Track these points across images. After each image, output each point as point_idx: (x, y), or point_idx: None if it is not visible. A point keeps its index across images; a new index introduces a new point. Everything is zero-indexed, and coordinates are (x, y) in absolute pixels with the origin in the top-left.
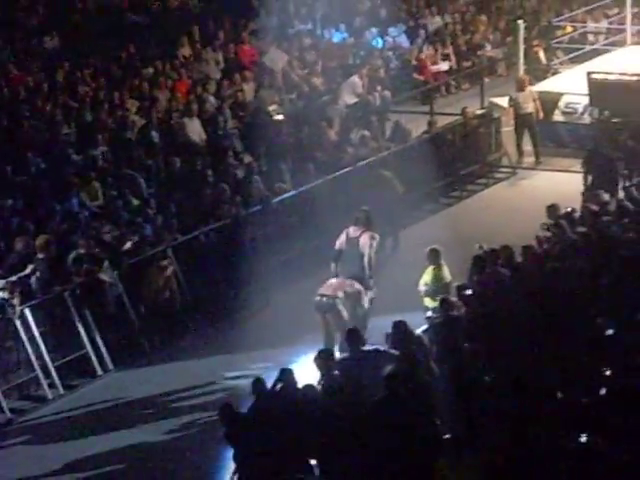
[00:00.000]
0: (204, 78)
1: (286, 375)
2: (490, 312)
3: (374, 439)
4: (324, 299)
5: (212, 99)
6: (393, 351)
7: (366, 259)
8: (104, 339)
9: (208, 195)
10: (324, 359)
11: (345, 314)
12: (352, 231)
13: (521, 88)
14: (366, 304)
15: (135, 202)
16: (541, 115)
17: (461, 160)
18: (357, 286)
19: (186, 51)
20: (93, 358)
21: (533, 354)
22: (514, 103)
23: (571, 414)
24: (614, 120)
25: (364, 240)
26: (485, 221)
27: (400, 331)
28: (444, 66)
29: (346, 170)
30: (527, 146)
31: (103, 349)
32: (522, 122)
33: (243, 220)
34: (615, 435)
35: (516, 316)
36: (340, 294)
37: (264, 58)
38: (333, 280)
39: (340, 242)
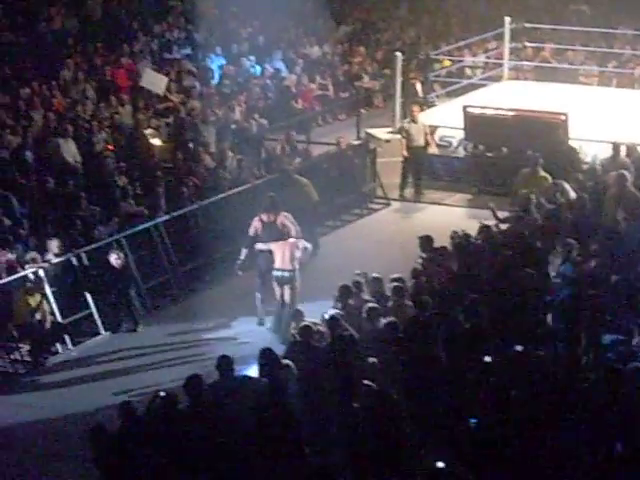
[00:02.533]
0: (80, 99)
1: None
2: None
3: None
4: (285, 273)
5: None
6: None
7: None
8: None
9: (80, 217)
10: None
11: (298, 284)
12: (265, 217)
13: (413, 120)
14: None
15: (7, 222)
16: (431, 149)
17: (336, 190)
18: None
19: (64, 72)
20: None
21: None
22: (406, 135)
23: None
24: (488, 154)
25: (282, 220)
26: (357, 251)
27: (267, 358)
28: None
29: (226, 194)
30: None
31: None
32: (413, 155)
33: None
34: None
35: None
36: (296, 265)
37: (142, 81)
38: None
39: (255, 228)
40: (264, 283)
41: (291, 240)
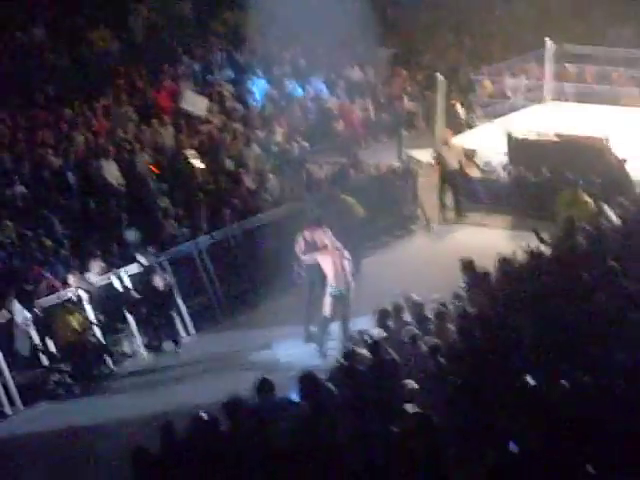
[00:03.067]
0: (122, 121)
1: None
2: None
3: None
4: (342, 290)
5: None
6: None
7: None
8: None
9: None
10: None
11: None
12: (308, 234)
13: (445, 143)
14: None
15: (48, 242)
16: (468, 170)
17: (377, 212)
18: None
19: (107, 94)
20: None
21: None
22: (439, 158)
23: None
24: (531, 177)
25: (320, 236)
26: (397, 273)
27: (307, 383)
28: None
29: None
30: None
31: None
32: (447, 177)
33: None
34: None
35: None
36: (351, 281)
37: (181, 102)
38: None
39: (299, 245)
40: (311, 299)
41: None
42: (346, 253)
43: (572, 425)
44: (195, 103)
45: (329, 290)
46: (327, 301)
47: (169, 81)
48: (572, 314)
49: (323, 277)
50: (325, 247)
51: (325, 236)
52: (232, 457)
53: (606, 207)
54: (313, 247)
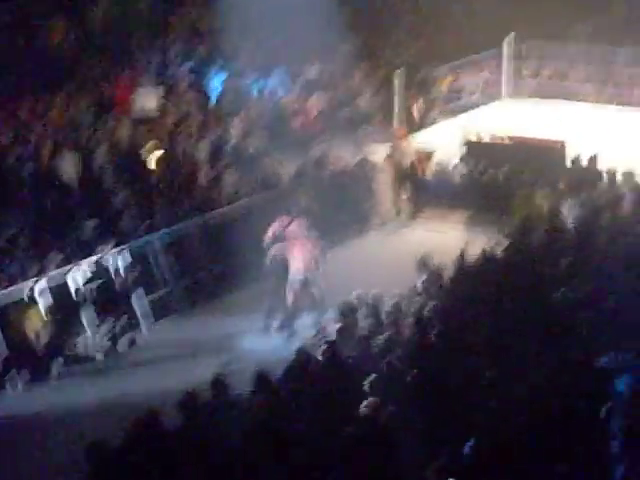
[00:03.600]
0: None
1: None
2: None
3: None
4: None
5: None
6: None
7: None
8: None
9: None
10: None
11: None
12: (278, 225)
13: (400, 140)
14: None
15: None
16: (421, 167)
17: (334, 209)
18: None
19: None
20: None
21: None
22: (392, 156)
23: None
24: (485, 177)
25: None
26: (354, 270)
27: (260, 382)
28: None
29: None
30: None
31: None
32: (400, 175)
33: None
34: None
35: None
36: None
37: (135, 100)
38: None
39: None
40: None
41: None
42: (316, 242)
43: (528, 424)
44: (148, 100)
45: (291, 278)
46: (289, 290)
47: (127, 75)
48: (526, 312)
49: (287, 267)
50: (293, 237)
51: (296, 226)
52: (184, 453)
53: (562, 208)
54: (280, 238)
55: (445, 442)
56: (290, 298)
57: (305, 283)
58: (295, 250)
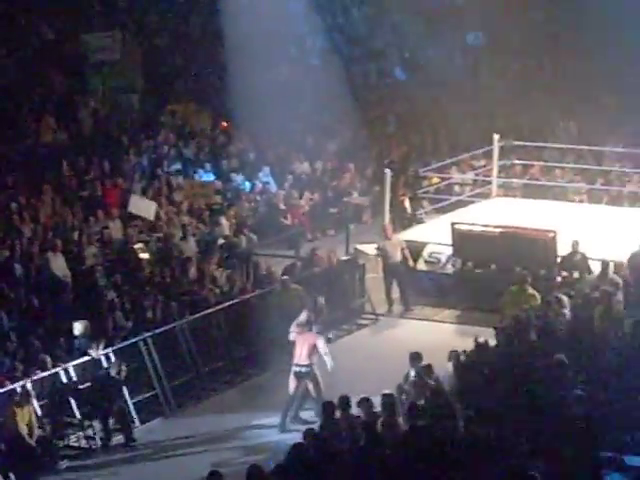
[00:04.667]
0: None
1: None
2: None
3: None
4: (302, 369)
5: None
6: None
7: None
8: None
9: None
10: None
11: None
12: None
13: (387, 237)
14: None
15: None
16: (411, 263)
17: (325, 305)
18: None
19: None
20: None
21: None
22: (382, 252)
23: None
24: (477, 271)
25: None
26: (346, 367)
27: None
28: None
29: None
30: (395, 294)
31: None
32: (390, 271)
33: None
34: None
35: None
36: (314, 359)
37: (129, 207)
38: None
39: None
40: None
41: (312, 334)
42: (315, 334)
43: None
44: (142, 208)
45: (292, 369)
46: (290, 379)
47: (117, 178)
48: (520, 408)
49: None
50: (299, 330)
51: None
52: None
53: (564, 298)
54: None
55: None
56: (290, 387)
57: (303, 374)
58: (298, 340)
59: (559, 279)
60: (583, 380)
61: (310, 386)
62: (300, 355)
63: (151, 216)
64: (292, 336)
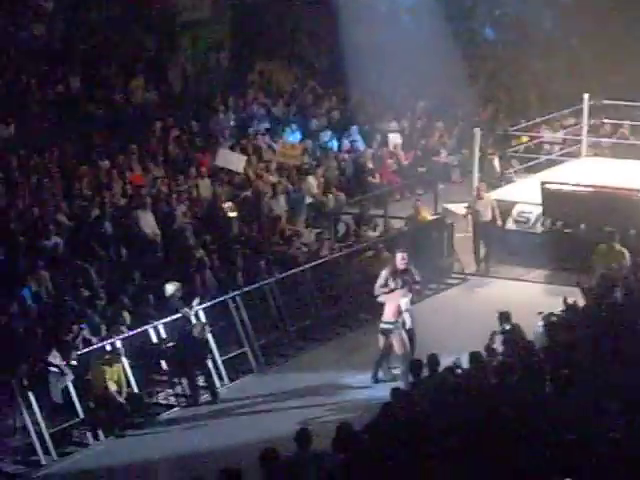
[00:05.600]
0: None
1: None
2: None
3: None
4: (386, 325)
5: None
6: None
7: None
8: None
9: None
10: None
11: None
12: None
13: (479, 196)
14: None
15: (85, 293)
16: (499, 223)
17: (413, 264)
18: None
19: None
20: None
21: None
22: (473, 211)
23: None
24: (566, 231)
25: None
26: (435, 326)
27: (343, 434)
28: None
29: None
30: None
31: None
32: (480, 230)
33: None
34: None
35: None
36: (399, 318)
37: (217, 160)
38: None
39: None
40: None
41: (398, 293)
42: (401, 291)
43: None
44: (231, 161)
45: (380, 326)
46: (379, 336)
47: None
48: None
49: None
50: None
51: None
52: None
53: None
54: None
55: None
56: (380, 343)
57: (386, 331)
58: (388, 299)
59: None
60: None
61: (394, 343)
62: (387, 313)
63: (240, 169)
64: (381, 298)
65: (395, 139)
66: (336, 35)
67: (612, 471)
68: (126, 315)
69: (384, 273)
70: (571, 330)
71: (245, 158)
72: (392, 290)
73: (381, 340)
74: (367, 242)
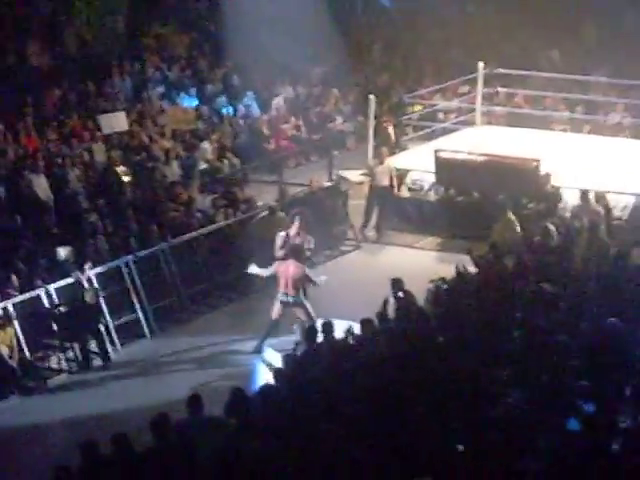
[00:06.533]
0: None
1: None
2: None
3: None
4: (290, 298)
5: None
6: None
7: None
8: None
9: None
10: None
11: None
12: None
13: (381, 161)
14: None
15: None
16: (396, 191)
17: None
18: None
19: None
20: None
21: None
22: (371, 174)
23: None
24: (459, 199)
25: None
26: (328, 293)
27: (236, 398)
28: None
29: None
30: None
31: None
32: (376, 195)
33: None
34: None
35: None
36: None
37: (103, 129)
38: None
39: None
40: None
41: (295, 265)
42: (298, 264)
43: None
44: (114, 123)
45: (278, 296)
46: (276, 305)
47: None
48: (501, 335)
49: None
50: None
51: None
52: (154, 474)
53: (550, 225)
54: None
55: None
56: (275, 313)
57: (291, 304)
58: (280, 268)
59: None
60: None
61: (299, 312)
62: (286, 285)
63: (125, 126)
64: (272, 268)
65: (278, 103)
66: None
67: (503, 437)
68: (14, 279)
69: (280, 236)
70: (461, 297)
71: (124, 114)
72: (284, 257)
73: (276, 310)
74: (261, 208)
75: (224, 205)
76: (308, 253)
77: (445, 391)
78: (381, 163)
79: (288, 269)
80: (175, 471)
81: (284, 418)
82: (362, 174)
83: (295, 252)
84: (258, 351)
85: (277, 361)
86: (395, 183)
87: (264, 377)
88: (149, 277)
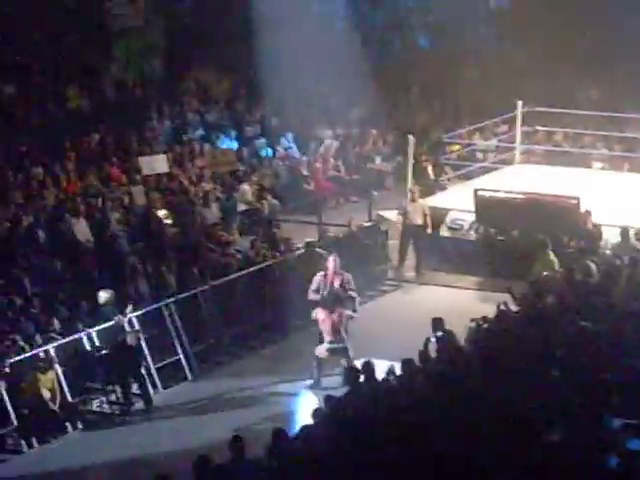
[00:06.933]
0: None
1: None
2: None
3: None
4: (338, 345)
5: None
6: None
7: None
8: None
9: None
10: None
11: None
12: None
13: (412, 199)
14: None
15: (19, 301)
16: (429, 230)
17: (347, 271)
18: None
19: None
20: None
21: None
22: (404, 213)
23: None
24: (499, 238)
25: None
26: (369, 333)
27: (278, 440)
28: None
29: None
30: (410, 259)
31: None
32: (409, 233)
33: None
34: None
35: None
36: (345, 335)
37: (143, 170)
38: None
39: (317, 283)
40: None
41: (342, 311)
42: (341, 311)
43: None
44: (155, 165)
45: (327, 345)
46: (323, 348)
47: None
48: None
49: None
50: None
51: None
52: None
53: (591, 264)
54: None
55: None
56: (322, 352)
57: (339, 351)
58: (323, 316)
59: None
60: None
61: (343, 361)
62: (333, 332)
63: (166, 168)
64: (315, 314)
65: (331, 145)
66: (269, 42)
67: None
68: (56, 323)
69: (317, 278)
70: (502, 335)
71: (165, 156)
72: (323, 306)
73: (324, 352)
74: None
75: (263, 246)
76: (351, 293)
77: (486, 431)
78: (413, 201)
79: (333, 318)
80: None
81: (325, 458)
82: (397, 213)
83: (338, 301)
84: (316, 386)
85: (317, 402)
86: (429, 222)
87: (305, 418)
88: (189, 319)
